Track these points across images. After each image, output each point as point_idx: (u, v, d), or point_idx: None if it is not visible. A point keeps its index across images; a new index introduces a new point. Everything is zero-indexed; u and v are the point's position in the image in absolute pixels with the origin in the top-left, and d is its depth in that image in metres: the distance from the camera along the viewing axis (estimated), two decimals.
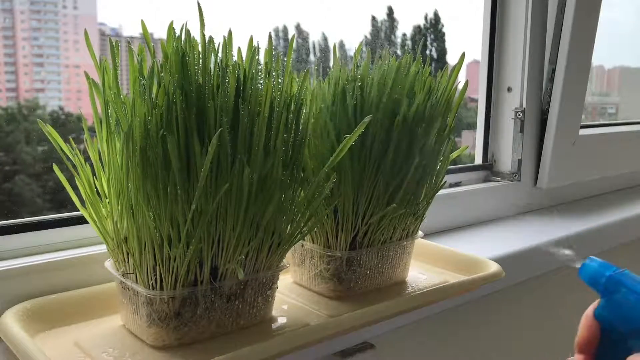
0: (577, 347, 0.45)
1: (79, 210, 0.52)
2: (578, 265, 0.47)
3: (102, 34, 0.75)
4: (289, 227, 0.53)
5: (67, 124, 0.74)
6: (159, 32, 0.54)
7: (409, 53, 0.61)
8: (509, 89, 1.04)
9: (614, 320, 0.44)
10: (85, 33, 0.50)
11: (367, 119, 0.53)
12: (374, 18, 0.96)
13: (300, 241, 0.59)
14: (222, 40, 0.50)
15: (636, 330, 0.43)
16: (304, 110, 0.53)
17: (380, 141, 0.57)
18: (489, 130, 1.07)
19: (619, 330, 0.44)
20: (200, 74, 0.47)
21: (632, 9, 1.61)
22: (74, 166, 0.51)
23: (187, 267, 0.47)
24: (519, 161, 1.04)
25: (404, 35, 1.01)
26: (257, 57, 0.50)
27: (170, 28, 0.48)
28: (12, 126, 0.71)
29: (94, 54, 0.50)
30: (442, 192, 0.81)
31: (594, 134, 1.17)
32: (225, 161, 0.46)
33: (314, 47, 0.88)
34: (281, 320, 0.56)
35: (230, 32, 0.50)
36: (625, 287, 0.43)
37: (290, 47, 0.54)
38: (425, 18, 1.05)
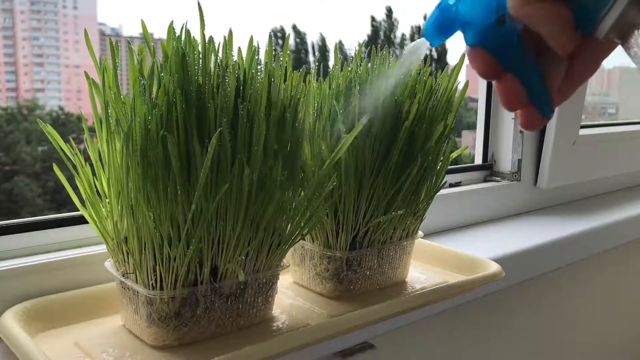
0: None
1: (79, 210, 0.52)
2: None
3: (102, 34, 0.75)
4: (289, 227, 0.53)
5: (67, 124, 0.75)
6: (159, 32, 0.54)
7: None
8: None
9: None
10: (85, 33, 0.50)
11: (364, 119, 0.53)
12: (373, 18, 0.96)
13: (300, 241, 0.59)
14: (222, 40, 0.50)
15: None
16: (304, 110, 0.53)
17: (381, 141, 0.57)
18: (489, 130, 1.06)
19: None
20: (200, 74, 0.47)
21: None
22: (74, 166, 0.51)
23: (187, 267, 0.47)
24: (519, 161, 1.04)
25: (403, 35, 1.01)
26: (257, 57, 0.50)
27: (170, 28, 0.48)
28: (12, 126, 0.71)
29: (94, 54, 0.50)
30: (442, 192, 0.81)
31: (594, 134, 1.17)
32: (225, 161, 0.46)
33: (312, 47, 0.88)
34: (281, 320, 0.56)
35: (230, 32, 0.50)
36: None
37: (286, 46, 0.54)
38: (425, 18, 1.05)
